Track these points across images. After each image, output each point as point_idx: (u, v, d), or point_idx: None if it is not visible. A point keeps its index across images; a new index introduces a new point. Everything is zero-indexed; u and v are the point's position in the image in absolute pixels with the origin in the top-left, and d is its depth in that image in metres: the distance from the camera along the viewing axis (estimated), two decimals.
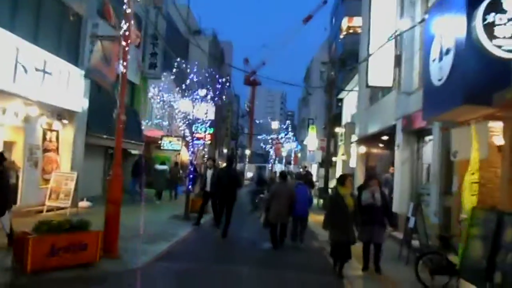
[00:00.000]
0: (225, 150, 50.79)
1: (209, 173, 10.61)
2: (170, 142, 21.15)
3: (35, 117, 10.58)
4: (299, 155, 45.89)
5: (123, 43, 6.51)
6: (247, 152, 53.91)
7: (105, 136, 14.67)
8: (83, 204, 12.21)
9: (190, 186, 12.22)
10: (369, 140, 14.25)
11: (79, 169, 12.26)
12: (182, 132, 17.56)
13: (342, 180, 6.85)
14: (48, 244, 5.36)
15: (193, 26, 31.95)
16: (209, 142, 32.38)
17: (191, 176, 12.29)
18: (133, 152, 19.68)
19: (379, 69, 10.95)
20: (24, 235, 5.33)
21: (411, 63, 9.97)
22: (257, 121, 45.03)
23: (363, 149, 15.31)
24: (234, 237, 9.67)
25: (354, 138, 18.20)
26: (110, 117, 15.38)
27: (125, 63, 6.57)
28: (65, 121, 11.89)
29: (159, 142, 21.23)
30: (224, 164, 11.82)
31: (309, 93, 21.58)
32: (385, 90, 13.31)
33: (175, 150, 21.65)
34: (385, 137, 11.71)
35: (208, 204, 10.83)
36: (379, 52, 10.30)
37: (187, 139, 16.68)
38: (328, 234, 6.70)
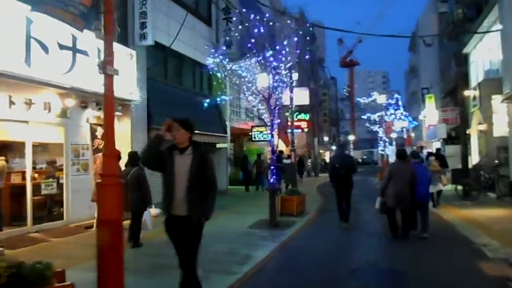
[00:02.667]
0: (325, 138, 46.80)
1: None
2: (261, 132, 19.34)
3: (74, 109, 8.66)
4: (412, 134, 39.58)
5: None
6: (351, 137, 49.00)
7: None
8: (152, 211, 10.09)
9: (272, 180, 9.14)
10: None
11: None
12: (270, 117, 14.87)
13: None
14: None
15: (277, 5, 29.08)
16: (306, 129, 29.26)
17: (272, 167, 9.22)
18: (219, 146, 17.68)
19: None
20: None
21: None
22: (359, 99, 39.81)
23: None
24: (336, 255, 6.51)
25: (498, 98, 13.23)
26: (178, 106, 13.48)
27: None
28: (118, 113, 9.86)
29: (250, 133, 19.80)
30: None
31: (428, 43, 16.66)
32: None
33: (267, 141, 19.55)
34: None
35: None
36: None
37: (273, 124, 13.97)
38: None
